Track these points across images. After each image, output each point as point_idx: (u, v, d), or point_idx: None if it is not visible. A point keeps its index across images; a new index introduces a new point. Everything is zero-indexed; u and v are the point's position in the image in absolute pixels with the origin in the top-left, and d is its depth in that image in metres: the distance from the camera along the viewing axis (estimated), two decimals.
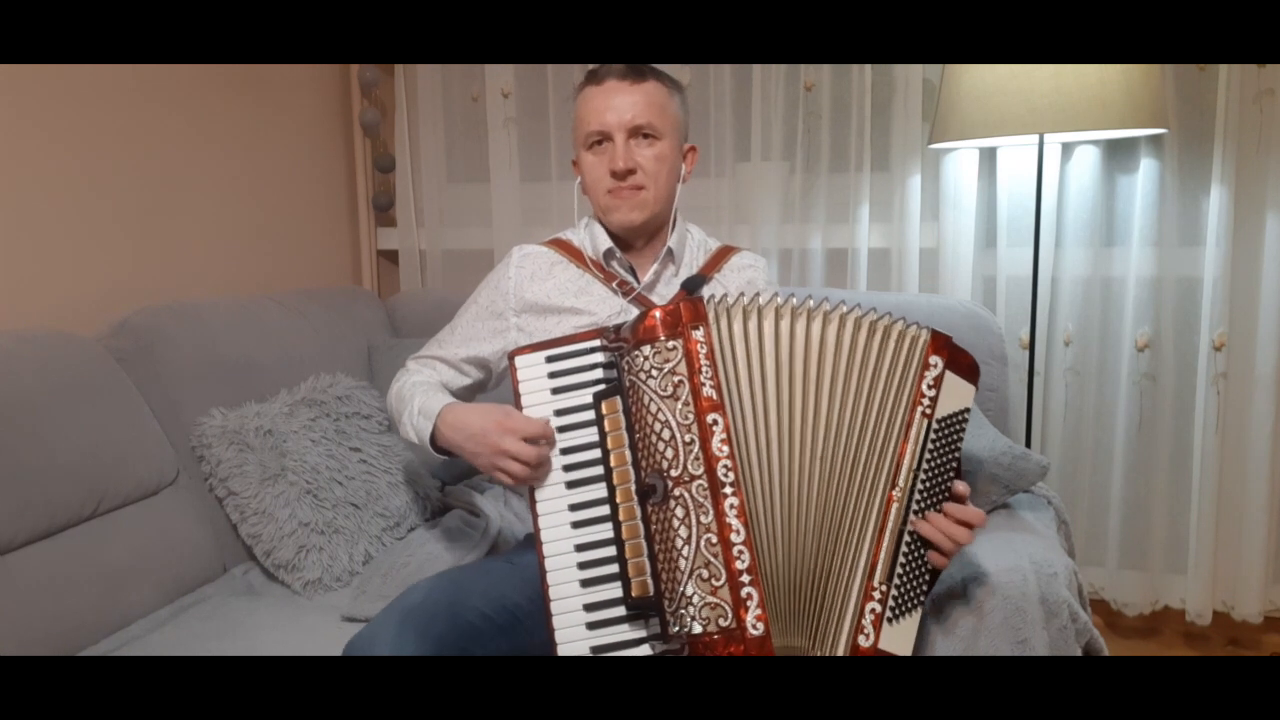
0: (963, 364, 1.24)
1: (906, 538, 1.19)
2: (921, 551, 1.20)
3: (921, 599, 1.21)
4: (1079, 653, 1.34)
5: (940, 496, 1.21)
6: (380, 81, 2.55)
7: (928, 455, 1.20)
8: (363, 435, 1.86)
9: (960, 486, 1.23)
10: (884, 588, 1.18)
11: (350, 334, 2.16)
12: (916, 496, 1.20)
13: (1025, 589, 1.33)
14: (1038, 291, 2.04)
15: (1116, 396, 2.16)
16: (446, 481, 1.96)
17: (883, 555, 1.18)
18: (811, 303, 1.22)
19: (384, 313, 2.35)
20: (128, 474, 1.58)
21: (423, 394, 1.46)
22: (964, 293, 2.20)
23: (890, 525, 1.19)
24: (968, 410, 1.24)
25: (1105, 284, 2.17)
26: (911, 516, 1.19)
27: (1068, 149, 2.14)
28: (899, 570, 1.19)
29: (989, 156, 2.19)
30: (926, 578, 1.21)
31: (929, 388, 1.21)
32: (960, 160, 2.18)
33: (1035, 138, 1.99)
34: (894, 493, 1.19)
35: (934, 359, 1.22)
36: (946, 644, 1.32)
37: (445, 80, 2.55)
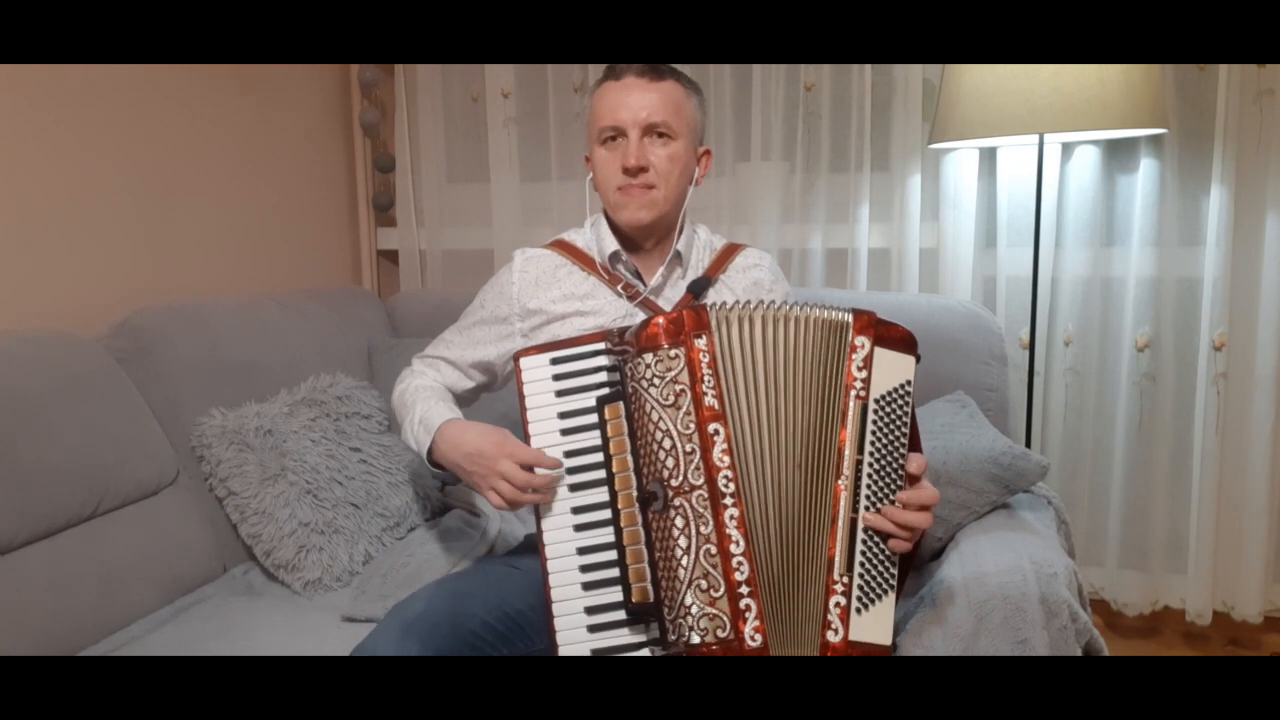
0: (893, 338, 1.23)
1: (862, 524, 1.19)
2: (881, 535, 1.20)
3: (891, 582, 1.20)
4: (1079, 653, 1.34)
5: (893, 476, 1.21)
6: (380, 81, 2.55)
7: (871, 437, 1.20)
8: (363, 435, 1.86)
9: (914, 464, 1.22)
10: (845, 579, 1.17)
11: (350, 334, 2.16)
12: (867, 481, 1.19)
13: (1025, 589, 1.32)
14: (1038, 291, 2.04)
15: (1116, 396, 2.16)
16: (446, 481, 1.96)
17: (838, 547, 1.18)
18: (786, 306, 1.22)
19: (384, 313, 2.35)
20: (128, 474, 1.59)
21: (425, 401, 1.45)
22: (964, 293, 2.19)
23: (841, 516, 1.18)
24: (909, 382, 1.23)
25: (1105, 284, 2.17)
26: (864, 502, 1.19)
27: (1068, 149, 2.14)
28: (860, 559, 1.18)
29: (989, 156, 2.19)
30: (892, 560, 1.21)
31: (859, 370, 1.20)
32: (960, 160, 2.18)
33: (1035, 138, 1.99)
34: (840, 482, 1.19)
35: (859, 340, 1.21)
36: (946, 644, 1.32)
37: (445, 80, 2.55)
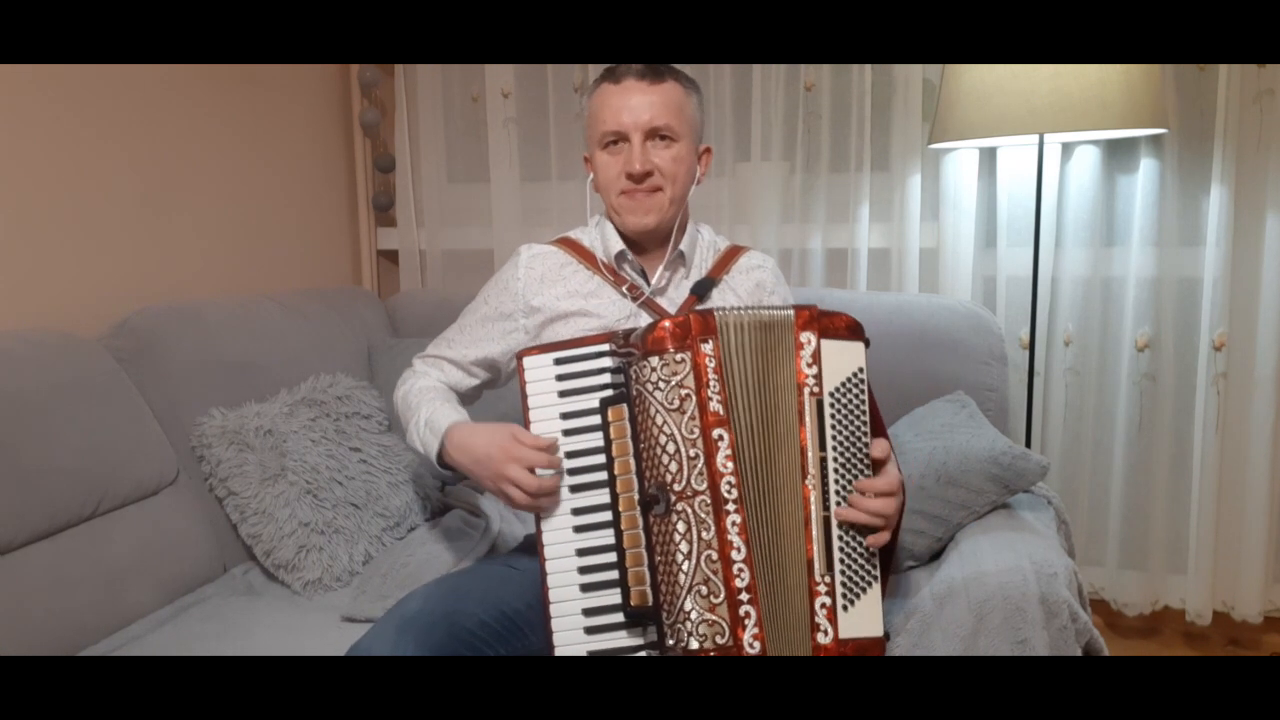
0: (838, 328, 1.23)
1: (835, 521, 1.19)
2: (859, 530, 1.20)
3: (874, 574, 1.20)
4: (1079, 653, 1.34)
5: (859, 467, 1.21)
6: (380, 81, 2.55)
7: (832, 431, 1.20)
8: (363, 435, 1.86)
9: (877, 449, 1.22)
10: (827, 579, 1.17)
11: (350, 334, 2.16)
12: (834, 476, 1.19)
13: (1025, 589, 1.32)
14: (1038, 291, 2.04)
15: (1116, 396, 2.16)
16: (446, 481, 1.96)
17: (815, 548, 1.18)
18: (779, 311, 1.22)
19: (384, 313, 2.35)
20: (128, 474, 1.58)
21: (430, 403, 1.44)
22: (964, 293, 2.19)
23: (813, 516, 1.18)
24: (861, 369, 1.23)
25: (1105, 284, 2.17)
26: (833, 498, 1.19)
27: (1068, 149, 2.14)
28: (839, 556, 1.18)
29: (989, 156, 2.19)
30: (873, 551, 1.21)
31: (808, 366, 1.20)
32: (960, 160, 2.18)
33: (1035, 138, 1.99)
34: (807, 482, 1.19)
35: (805, 336, 1.21)
36: (946, 644, 1.32)
37: (445, 80, 2.55)
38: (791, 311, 1.21)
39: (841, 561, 1.18)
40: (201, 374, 1.78)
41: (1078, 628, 1.34)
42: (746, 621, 1.12)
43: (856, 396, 1.22)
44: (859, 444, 1.21)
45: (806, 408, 1.19)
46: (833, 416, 1.20)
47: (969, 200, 2.18)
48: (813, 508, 1.18)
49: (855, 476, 1.20)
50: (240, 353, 1.86)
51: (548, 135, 2.44)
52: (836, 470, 1.19)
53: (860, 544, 1.20)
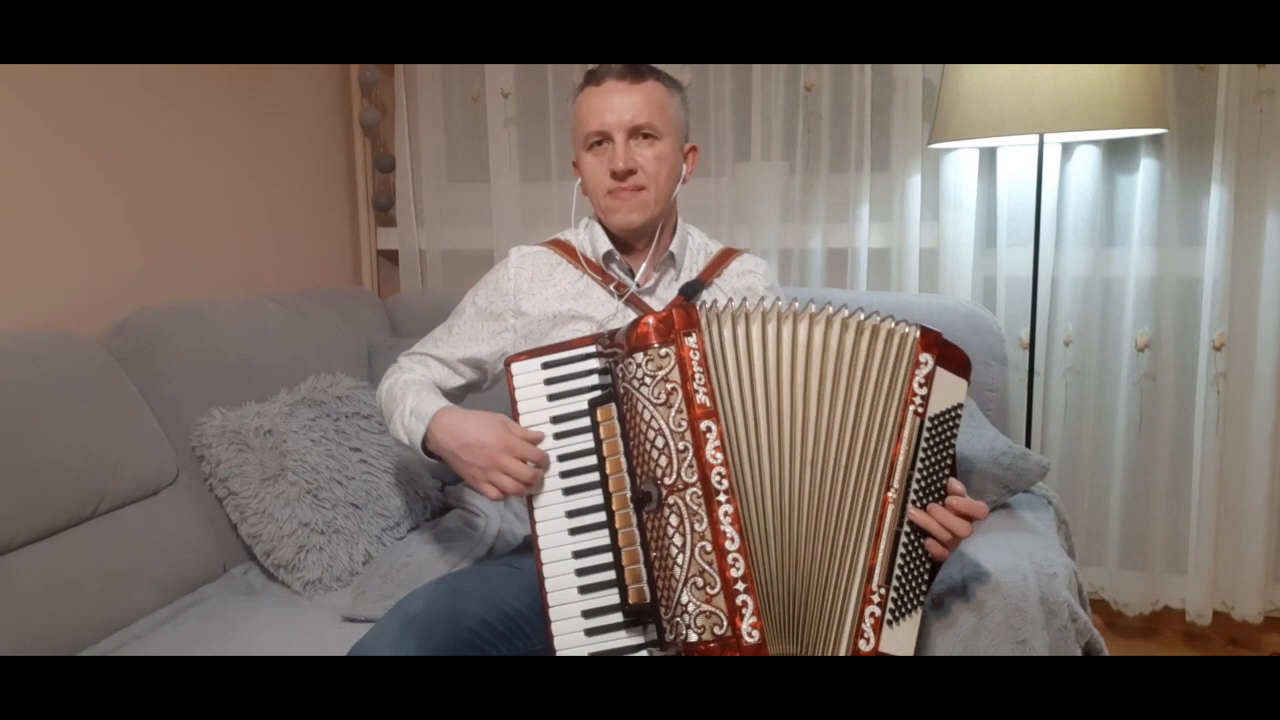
0: (954, 360, 1.23)
1: (903, 539, 1.19)
2: (919, 551, 1.20)
3: (921, 599, 1.20)
4: (1079, 653, 1.34)
5: (936, 495, 1.21)
6: (380, 81, 2.55)
7: (922, 454, 1.20)
8: (363, 435, 1.86)
9: (955, 485, 1.22)
10: (883, 590, 1.17)
11: (350, 334, 2.16)
12: (912, 497, 1.19)
13: (1025, 589, 1.33)
14: (1038, 291, 2.04)
15: (1116, 396, 2.16)
16: (446, 481, 1.96)
17: (880, 558, 1.17)
18: (798, 306, 1.22)
19: (384, 313, 2.35)
20: (128, 474, 1.58)
21: (415, 393, 1.44)
22: (964, 293, 2.20)
23: (887, 527, 1.18)
24: (961, 406, 1.24)
25: (1105, 284, 2.17)
26: (907, 517, 1.19)
27: (1068, 149, 2.14)
28: (897, 572, 1.18)
29: (989, 156, 2.19)
30: (925, 578, 1.21)
31: (920, 386, 1.20)
32: (960, 160, 2.18)
33: (1035, 138, 1.99)
34: (889, 494, 1.18)
35: (924, 356, 1.21)
36: (946, 644, 1.32)
37: (445, 80, 2.55)
38: (917, 329, 1.22)
39: (898, 579, 1.18)
40: (201, 374, 1.78)
41: (1078, 628, 1.34)
42: (744, 610, 1.12)
43: (950, 430, 1.22)
44: (940, 475, 1.21)
45: (908, 424, 1.20)
46: (926, 441, 1.20)
47: (969, 200, 2.18)
48: (888, 520, 1.18)
49: (926, 504, 1.20)
50: (240, 353, 1.86)
51: (548, 135, 2.44)
52: (916, 492, 1.20)
53: (920, 565, 1.20)
